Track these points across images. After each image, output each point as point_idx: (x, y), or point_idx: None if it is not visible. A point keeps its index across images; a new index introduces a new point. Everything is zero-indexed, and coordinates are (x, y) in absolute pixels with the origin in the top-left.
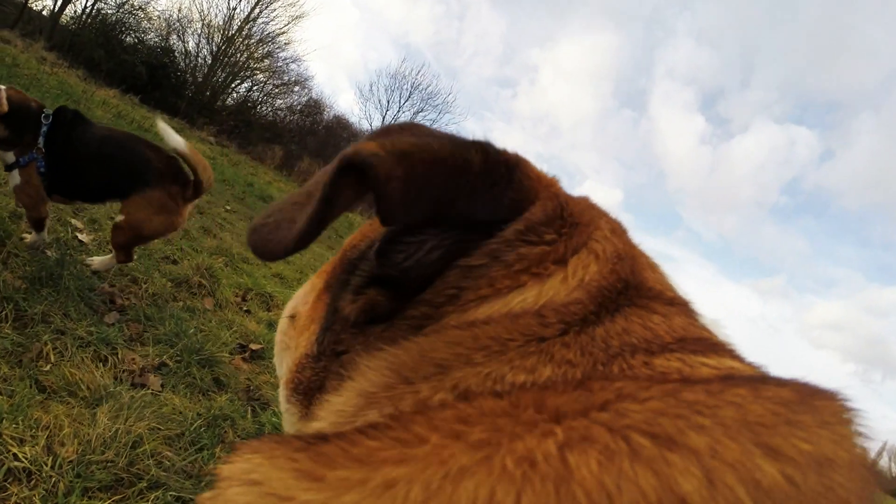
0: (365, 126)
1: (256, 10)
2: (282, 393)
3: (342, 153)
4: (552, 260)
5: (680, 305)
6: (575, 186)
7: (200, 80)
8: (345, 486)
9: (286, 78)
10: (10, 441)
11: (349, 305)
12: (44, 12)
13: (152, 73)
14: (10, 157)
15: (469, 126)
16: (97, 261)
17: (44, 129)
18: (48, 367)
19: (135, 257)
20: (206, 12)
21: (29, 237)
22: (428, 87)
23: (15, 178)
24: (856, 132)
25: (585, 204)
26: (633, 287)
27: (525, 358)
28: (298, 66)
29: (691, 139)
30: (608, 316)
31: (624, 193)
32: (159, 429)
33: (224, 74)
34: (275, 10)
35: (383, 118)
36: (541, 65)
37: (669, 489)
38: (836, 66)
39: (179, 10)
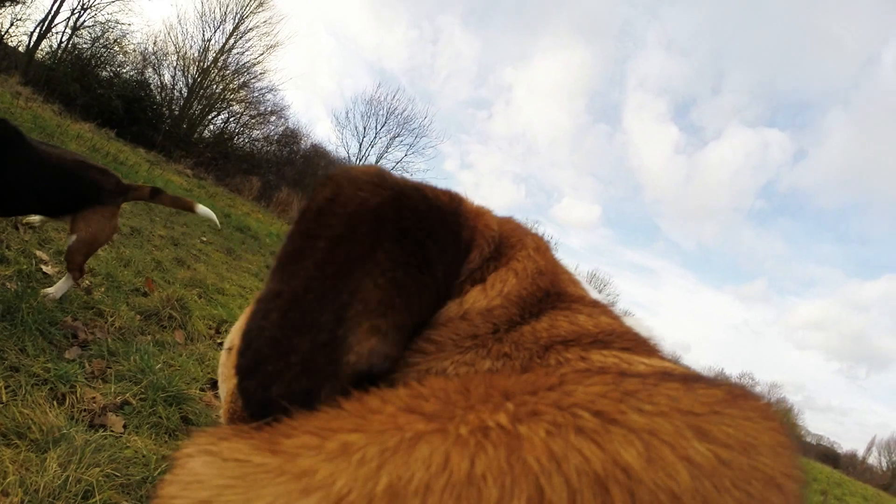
0: (342, 154)
1: (231, 41)
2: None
3: (351, 365)
4: (470, 282)
5: (602, 307)
6: (553, 204)
7: (177, 112)
8: (300, 452)
9: (262, 108)
10: None
11: None
12: (19, 48)
13: (128, 106)
14: None
15: (446, 149)
16: (54, 289)
17: None
18: None
19: (86, 272)
20: (181, 44)
21: None
22: (403, 111)
23: None
24: (827, 130)
25: (512, 226)
26: (553, 294)
27: (463, 353)
28: (274, 95)
29: (666, 149)
30: (533, 318)
31: (602, 208)
32: (116, 475)
33: (200, 106)
34: (249, 39)
35: (360, 145)
36: (515, 84)
37: (612, 459)
38: (804, 65)
39: (155, 43)
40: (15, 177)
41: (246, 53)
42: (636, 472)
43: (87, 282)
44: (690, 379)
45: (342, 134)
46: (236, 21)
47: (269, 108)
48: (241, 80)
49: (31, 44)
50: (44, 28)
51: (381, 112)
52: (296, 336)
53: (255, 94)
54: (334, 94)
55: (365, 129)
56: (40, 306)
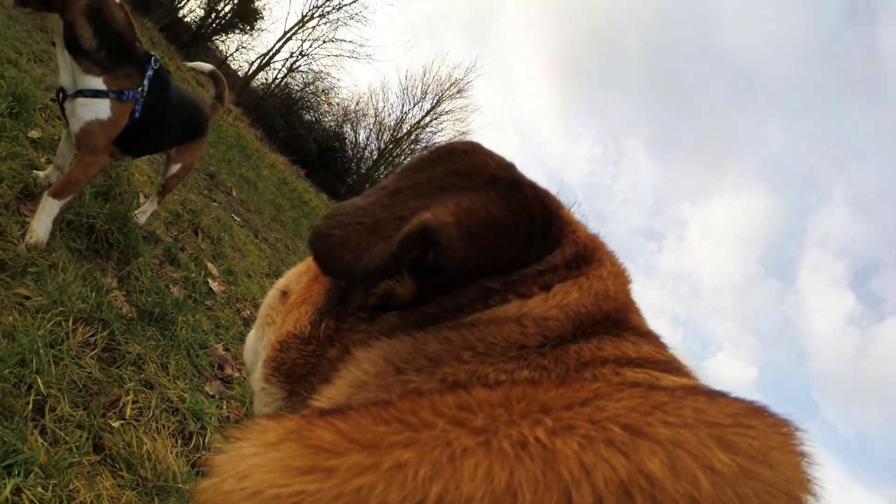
0: None
1: (427, 119)
2: (259, 371)
3: (419, 219)
4: (538, 285)
5: (651, 338)
6: (708, 356)
7: (363, 171)
8: (355, 474)
9: None
10: None
11: (362, 294)
12: (238, 72)
13: (322, 152)
14: (98, 82)
15: None
16: (143, 215)
17: (150, 71)
18: (117, 424)
19: None
20: (380, 111)
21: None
22: None
23: (99, 109)
24: None
25: (598, 245)
26: (612, 321)
27: (506, 362)
28: None
29: (838, 318)
30: (584, 338)
31: (759, 371)
32: None
33: (386, 172)
34: (443, 122)
35: None
36: (690, 220)
37: (637, 468)
38: None
39: (357, 104)
40: (168, 114)
41: (438, 134)
42: (659, 480)
43: (247, 312)
44: (716, 393)
45: None
46: (434, 102)
47: None
48: None
49: (250, 72)
50: (263, 62)
51: None
52: (378, 209)
53: None
54: None
55: None
56: (197, 324)
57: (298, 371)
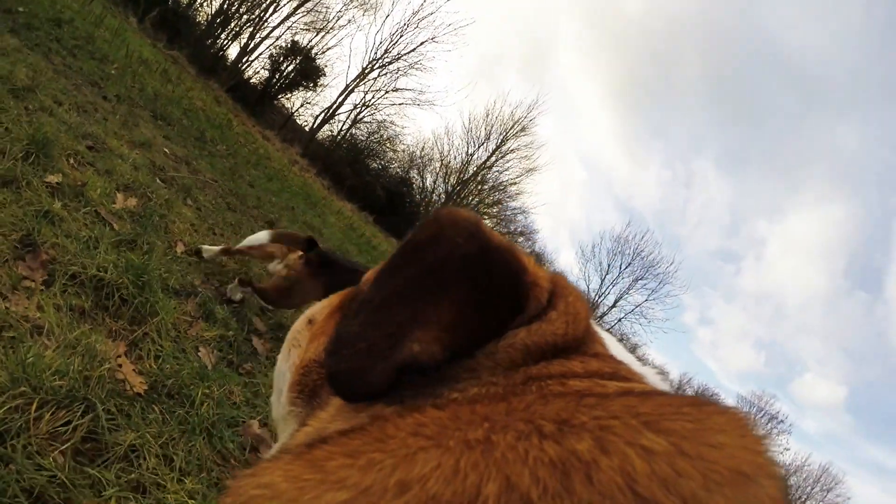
0: (583, 286)
1: (493, 159)
2: (286, 395)
3: (409, 350)
4: None
5: (604, 357)
6: (794, 378)
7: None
8: (338, 469)
9: (513, 227)
10: None
11: None
12: (305, 127)
13: (390, 198)
14: None
15: (687, 300)
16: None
17: None
18: None
19: None
20: (445, 154)
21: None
22: (650, 254)
23: None
24: None
25: (555, 291)
26: (561, 349)
27: (459, 382)
28: (525, 217)
29: None
30: (532, 363)
31: (849, 390)
32: None
33: None
34: (509, 160)
35: (602, 281)
36: (768, 238)
37: (566, 450)
38: None
39: (422, 149)
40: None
41: (504, 173)
42: (590, 459)
43: None
44: (652, 392)
45: (585, 267)
46: (499, 142)
47: (519, 229)
48: (497, 196)
49: (315, 125)
50: (328, 115)
51: (627, 251)
52: (371, 330)
53: (508, 213)
54: (581, 225)
55: (609, 266)
56: (222, 396)
57: (317, 392)
